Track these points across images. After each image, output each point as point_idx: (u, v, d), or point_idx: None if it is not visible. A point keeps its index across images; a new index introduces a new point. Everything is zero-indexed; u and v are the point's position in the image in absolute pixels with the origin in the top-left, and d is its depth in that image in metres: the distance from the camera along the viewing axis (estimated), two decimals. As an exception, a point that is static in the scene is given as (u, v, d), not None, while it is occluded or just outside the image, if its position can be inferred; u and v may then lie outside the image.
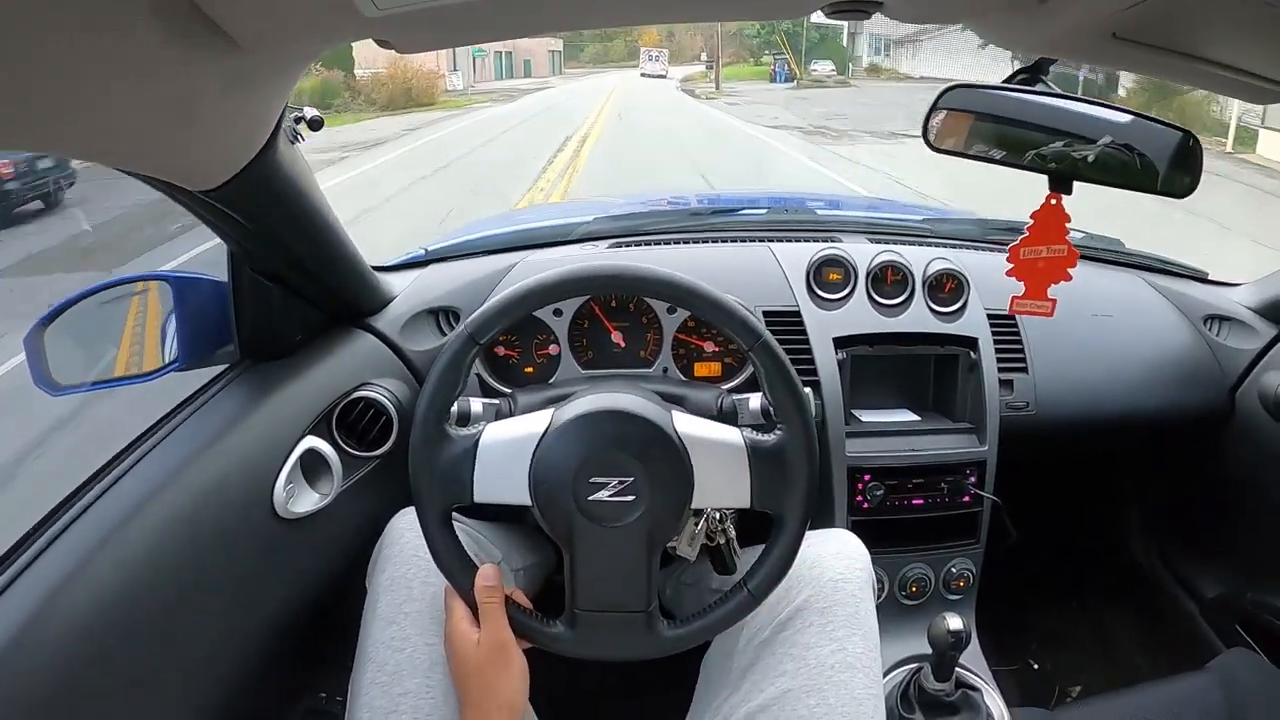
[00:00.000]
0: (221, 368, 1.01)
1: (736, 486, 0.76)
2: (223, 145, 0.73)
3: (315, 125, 0.86)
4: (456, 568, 0.77)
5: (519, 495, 0.75)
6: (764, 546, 0.78)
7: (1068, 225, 0.94)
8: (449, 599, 0.79)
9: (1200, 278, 1.46)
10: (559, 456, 0.73)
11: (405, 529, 0.89)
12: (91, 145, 0.62)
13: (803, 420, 0.75)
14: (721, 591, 0.80)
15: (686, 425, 0.76)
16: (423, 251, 1.36)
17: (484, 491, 0.75)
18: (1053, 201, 0.92)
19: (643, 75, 41.72)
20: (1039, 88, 0.87)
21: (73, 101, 0.53)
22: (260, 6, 0.55)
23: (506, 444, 0.76)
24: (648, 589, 0.76)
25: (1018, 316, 1.25)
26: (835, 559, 0.89)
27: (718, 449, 0.76)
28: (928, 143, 0.92)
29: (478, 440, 0.76)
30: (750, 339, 0.75)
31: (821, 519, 1.19)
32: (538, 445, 0.74)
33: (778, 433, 0.76)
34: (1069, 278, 0.95)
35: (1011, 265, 0.95)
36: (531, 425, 0.76)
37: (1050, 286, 0.96)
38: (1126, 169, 0.89)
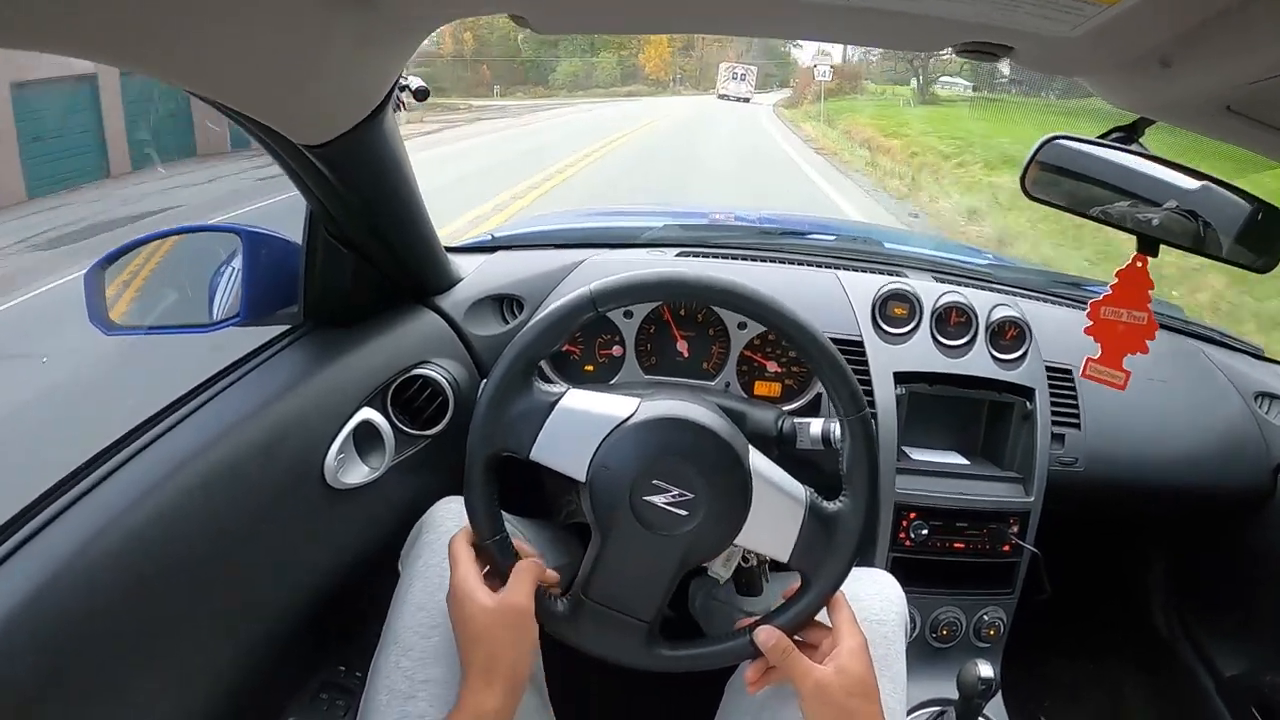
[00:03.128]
0: (280, 329, 1.00)
1: (781, 538, 0.75)
2: (339, 101, 0.73)
3: (421, 95, 0.85)
4: (482, 512, 0.76)
5: (576, 469, 0.74)
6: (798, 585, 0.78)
7: (1150, 292, 0.92)
8: (455, 546, 0.77)
9: (1256, 354, 1.46)
10: (632, 447, 0.73)
11: (446, 518, 0.88)
12: (218, 83, 0.62)
13: (869, 501, 0.76)
14: (748, 615, 0.79)
15: (759, 463, 0.76)
16: (489, 237, 1.36)
17: (542, 452, 0.74)
18: (1139, 264, 0.91)
19: (720, 96, 32.82)
20: (1133, 147, 0.87)
21: (208, 39, 0.53)
22: None
23: (585, 415, 0.74)
24: (660, 603, 0.75)
25: (1073, 370, 1.25)
26: (872, 599, 0.89)
27: (780, 496, 0.75)
28: (1024, 189, 0.92)
29: (556, 402, 0.75)
30: (854, 409, 0.75)
31: (864, 553, 1.18)
32: (615, 428, 0.73)
33: (840, 502, 0.76)
34: (1145, 350, 0.93)
35: (1090, 323, 0.93)
36: (615, 407, 0.75)
37: (1126, 356, 0.94)
38: (1191, 235, 0.88)
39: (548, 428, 0.74)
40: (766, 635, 0.75)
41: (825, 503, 0.76)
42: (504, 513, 0.95)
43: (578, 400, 0.75)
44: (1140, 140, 0.87)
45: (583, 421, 0.74)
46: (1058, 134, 0.91)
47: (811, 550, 0.75)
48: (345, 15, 0.59)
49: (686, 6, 0.63)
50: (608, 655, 0.77)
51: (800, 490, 0.76)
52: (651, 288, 0.74)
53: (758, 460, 0.76)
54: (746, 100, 31.95)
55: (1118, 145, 0.87)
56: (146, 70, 0.55)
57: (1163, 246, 0.89)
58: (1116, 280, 0.93)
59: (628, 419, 0.74)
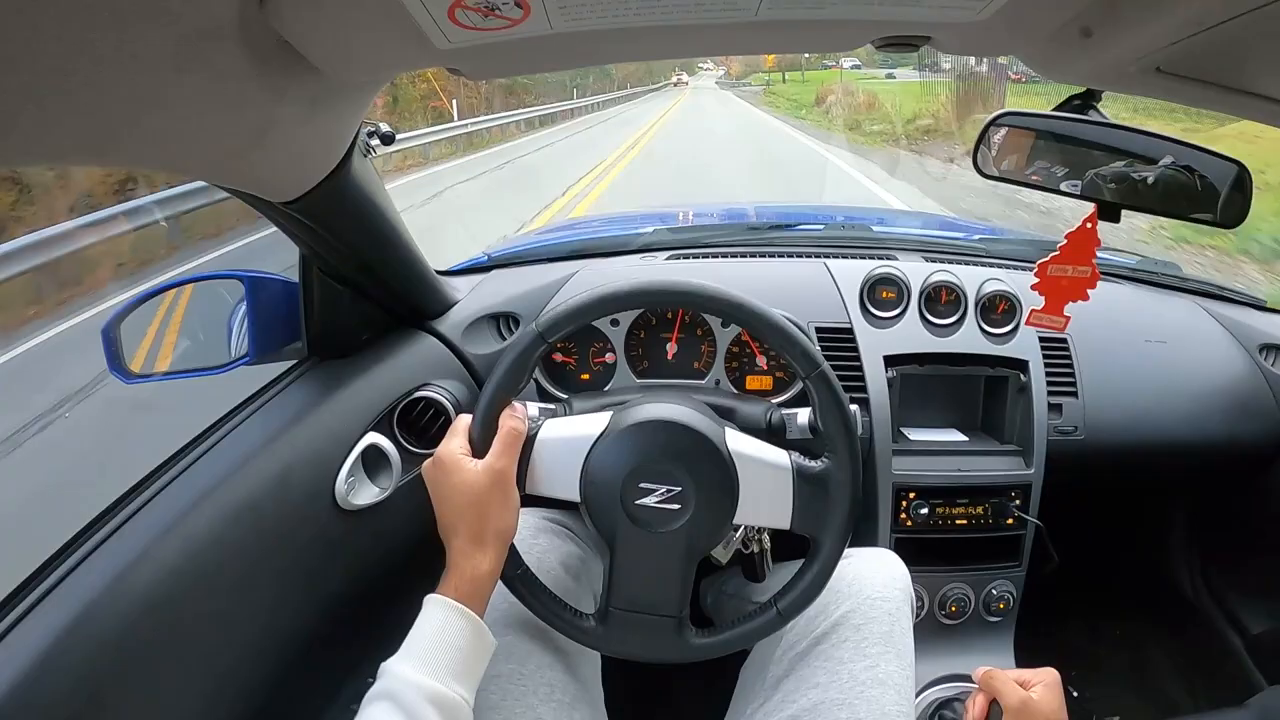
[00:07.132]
0: (289, 364, 1.06)
1: (778, 507, 0.78)
2: (300, 162, 0.77)
3: (387, 140, 0.90)
4: None
5: (569, 491, 0.78)
6: (800, 564, 0.80)
7: (1098, 249, 0.93)
8: (459, 422, 0.79)
9: (1258, 305, 1.43)
10: (612, 459, 0.76)
11: None
12: (178, 162, 0.66)
13: (850, 451, 0.77)
14: (760, 601, 0.82)
15: (738, 443, 0.78)
16: (485, 257, 1.40)
17: (535, 484, 0.78)
18: (1089, 225, 0.91)
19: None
20: (1091, 115, 0.87)
21: (164, 124, 0.56)
22: (341, 39, 0.58)
23: (563, 441, 0.78)
24: (681, 595, 0.78)
25: (1069, 339, 1.25)
26: (875, 577, 0.90)
27: (765, 469, 0.78)
28: (978, 168, 0.93)
29: (535, 435, 0.78)
30: (809, 368, 0.77)
31: (865, 535, 1.20)
32: (593, 446, 0.77)
33: (824, 460, 0.78)
34: (1087, 298, 0.94)
35: (1037, 280, 0.95)
36: (588, 427, 0.78)
37: (1068, 304, 0.96)
38: (1187, 193, 0.87)
39: (533, 461, 0.78)
40: (981, 672, 0.88)
41: (810, 463, 0.78)
42: (552, 513, 0.99)
43: (554, 429, 0.79)
44: (1097, 107, 0.88)
45: (562, 448, 0.78)
46: (1010, 109, 0.92)
47: (810, 512, 0.77)
48: (290, 90, 0.63)
49: (605, 40, 0.67)
50: (645, 657, 0.80)
51: (784, 457, 0.78)
52: (590, 307, 0.78)
53: (735, 440, 0.78)
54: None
55: (1079, 116, 0.88)
56: (115, 164, 0.60)
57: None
58: (1065, 241, 0.93)
59: (603, 434, 0.77)
